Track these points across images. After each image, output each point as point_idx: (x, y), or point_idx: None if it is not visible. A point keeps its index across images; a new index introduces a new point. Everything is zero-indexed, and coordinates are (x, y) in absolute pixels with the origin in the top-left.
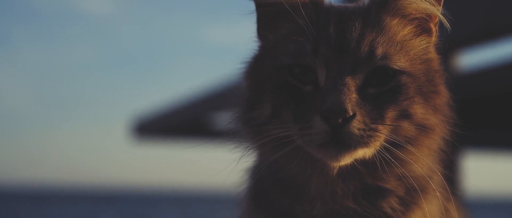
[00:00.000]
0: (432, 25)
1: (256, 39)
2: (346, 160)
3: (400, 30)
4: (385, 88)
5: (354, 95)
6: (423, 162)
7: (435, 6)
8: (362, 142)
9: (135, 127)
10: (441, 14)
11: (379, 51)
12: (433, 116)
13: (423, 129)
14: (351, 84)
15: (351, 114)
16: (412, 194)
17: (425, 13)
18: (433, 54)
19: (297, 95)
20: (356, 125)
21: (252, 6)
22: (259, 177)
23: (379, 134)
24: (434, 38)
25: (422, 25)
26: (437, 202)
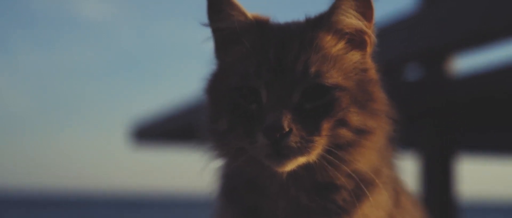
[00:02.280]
0: (366, 37)
1: (215, 58)
2: (290, 166)
3: (334, 45)
4: (320, 103)
5: (290, 112)
6: (367, 160)
7: (362, 21)
8: (300, 152)
9: (134, 132)
10: (371, 29)
11: (313, 70)
12: (371, 120)
13: (362, 133)
14: (288, 102)
15: (287, 130)
16: (362, 187)
17: (355, 29)
18: (368, 65)
19: (245, 113)
20: (293, 139)
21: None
22: (228, 175)
23: (315, 144)
24: (369, 49)
25: (354, 39)
26: (386, 194)
